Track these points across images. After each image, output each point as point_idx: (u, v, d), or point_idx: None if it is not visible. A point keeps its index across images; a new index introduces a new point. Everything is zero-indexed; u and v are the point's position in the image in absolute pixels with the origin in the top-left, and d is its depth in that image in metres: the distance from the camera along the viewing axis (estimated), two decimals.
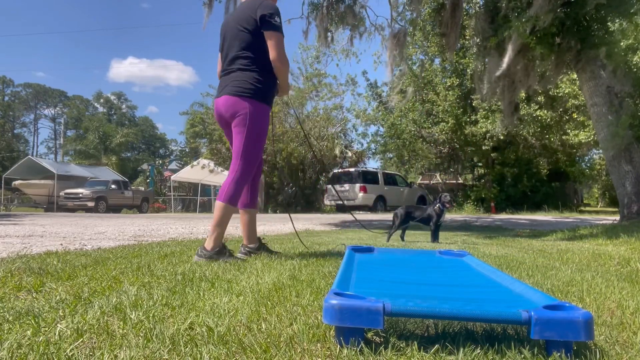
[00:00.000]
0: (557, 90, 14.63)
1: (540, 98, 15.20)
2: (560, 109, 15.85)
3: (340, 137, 21.20)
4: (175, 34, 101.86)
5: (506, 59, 6.05)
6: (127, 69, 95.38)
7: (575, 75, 8.20)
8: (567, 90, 14.66)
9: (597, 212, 18.72)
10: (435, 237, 4.39)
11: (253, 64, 2.65)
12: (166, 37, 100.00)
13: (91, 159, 37.42)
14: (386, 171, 19.78)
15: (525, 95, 13.36)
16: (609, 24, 6.00)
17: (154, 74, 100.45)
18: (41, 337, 1.11)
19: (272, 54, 2.62)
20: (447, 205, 4.37)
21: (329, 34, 8.57)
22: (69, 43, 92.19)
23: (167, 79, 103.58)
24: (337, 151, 19.93)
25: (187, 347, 1.06)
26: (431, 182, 25.37)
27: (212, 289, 1.72)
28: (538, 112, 15.43)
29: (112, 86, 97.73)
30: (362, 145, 23.98)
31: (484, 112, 16.09)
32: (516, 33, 5.65)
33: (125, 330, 1.19)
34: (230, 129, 2.74)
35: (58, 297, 1.57)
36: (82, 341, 1.10)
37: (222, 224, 2.63)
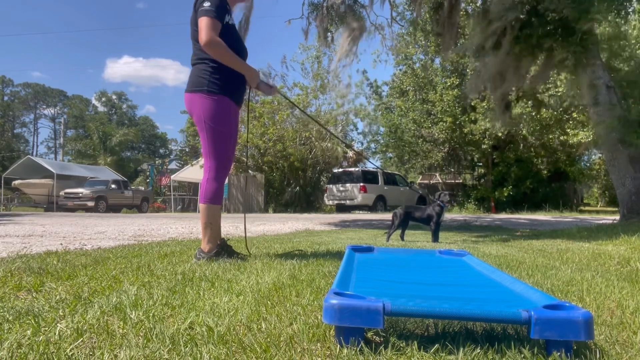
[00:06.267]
0: (556, 90, 14.62)
1: (534, 99, 15.20)
2: (560, 109, 15.83)
3: (341, 137, 21.18)
4: (173, 34, 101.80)
5: (497, 59, 6.10)
6: (123, 69, 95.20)
7: (573, 76, 8.19)
8: (566, 89, 14.65)
9: (597, 212, 18.72)
10: (435, 237, 4.39)
11: (205, 57, 2.59)
12: (164, 37, 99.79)
13: (91, 158, 37.40)
14: (386, 171, 19.77)
15: (517, 95, 13.38)
16: (596, 23, 6.00)
17: (151, 74, 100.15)
18: (41, 337, 1.11)
19: (199, 39, 2.50)
20: (446, 204, 4.37)
21: (328, 34, 8.56)
22: (64, 43, 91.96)
23: (164, 79, 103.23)
24: (340, 151, 19.91)
25: (187, 347, 1.06)
26: (431, 182, 25.37)
27: (212, 289, 1.72)
28: (532, 111, 15.41)
29: (108, 86, 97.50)
30: (362, 144, 24.01)
31: (482, 110, 16.08)
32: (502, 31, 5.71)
33: (125, 330, 1.19)
34: None
35: (58, 297, 1.57)
36: (82, 341, 1.10)
37: (210, 224, 2.60)
